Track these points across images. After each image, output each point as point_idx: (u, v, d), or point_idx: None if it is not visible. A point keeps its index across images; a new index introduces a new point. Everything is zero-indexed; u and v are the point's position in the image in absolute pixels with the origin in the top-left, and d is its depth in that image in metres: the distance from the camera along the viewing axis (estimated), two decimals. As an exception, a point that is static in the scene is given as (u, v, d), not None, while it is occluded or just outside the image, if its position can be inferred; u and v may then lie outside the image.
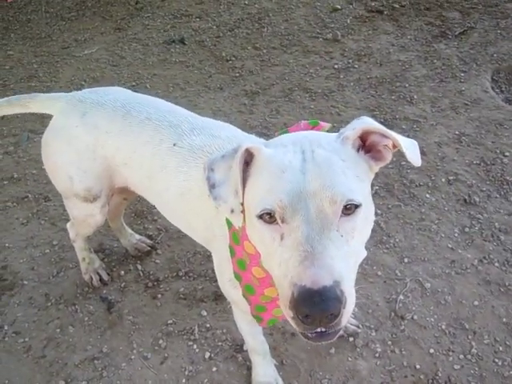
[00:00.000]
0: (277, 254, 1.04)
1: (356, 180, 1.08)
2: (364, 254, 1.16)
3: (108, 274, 2.35)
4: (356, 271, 1.10)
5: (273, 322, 1.49)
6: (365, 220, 1.08)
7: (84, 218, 1.98)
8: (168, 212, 1.78)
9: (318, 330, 1.01)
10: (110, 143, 1.72)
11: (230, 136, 1.62)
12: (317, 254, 0.97)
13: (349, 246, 1.03)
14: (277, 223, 1.04)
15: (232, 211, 1.12)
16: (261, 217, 1.06)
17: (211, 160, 1.16)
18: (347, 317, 1.00)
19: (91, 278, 2.31)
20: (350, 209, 1.03)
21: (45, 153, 1.87)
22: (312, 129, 1.32)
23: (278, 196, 1.03)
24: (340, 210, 1.02)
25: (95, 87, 2.00)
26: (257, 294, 1.37)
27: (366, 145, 1.17)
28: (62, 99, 1.84)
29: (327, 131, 1.30)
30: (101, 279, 2.32)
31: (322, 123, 1.35)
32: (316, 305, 0.94)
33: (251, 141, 1.52)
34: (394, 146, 1.15)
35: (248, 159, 1.13)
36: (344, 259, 1.01)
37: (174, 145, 1.62)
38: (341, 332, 1.06)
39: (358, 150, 1.15)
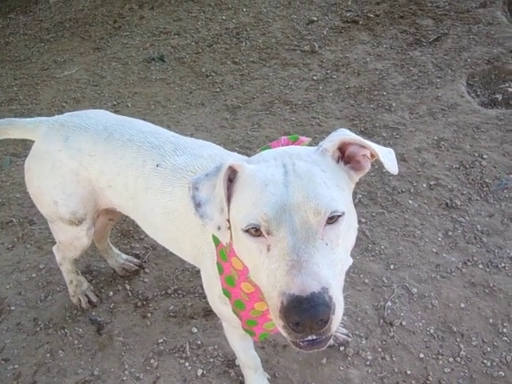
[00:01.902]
0: (264, 265, 1.06)
1: (337, 189, 1.10)
2: (350, 261, 1.17)
3: (97, 296, 2.34)
4: (343, 278, 1.12)
5: (264, 336, 1.50)
6: (348, 228, 1.11)
7: (70, 241, 1.98)
8: (154, 232, 1.79)
9: (309, 337, 1.02)
10: (94, 166, 1.72)
11: (212, 154, 1.63)
12: (303, 262, 0.99)
13: (334, 254, 1.05)
14: (263, 236, 1.06)
15: (219, 228, 1.14)
16: (247, 231, 1.08)
17: (195, 179, 1.19)
18: (337, 323, 1.02)
19: (79, 301, 2.30)
20: (333, 218, 1.05)
21: (28, 177, 1.87)
22: (292, 144, 1.35)
23: (262, 210, 1.05)
24: (324, 220, 1.04)
25: (77, 109, 2.01)
26: (247, 308, 1.38)
27: (345, 156, 1.20)
28: (43, 124, 1.84)
29: (307, 145, 1.33)
30: (89, 301, 2.31)
31: (301, 138, 1.38)
32: (305, 311, 0.95)
33: (234, 158, 1.53)
34: (373, 156, 1.18)
35: (231, 176, 1.16)
36: (330, 266, 1.03)
37: (157, 166, 1.63)
38: (331, 341, 1.09)
39: (337, 161, 1.18)
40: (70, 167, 1.75)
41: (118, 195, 1.74)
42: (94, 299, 2.32)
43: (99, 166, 1.71)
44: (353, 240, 1.16)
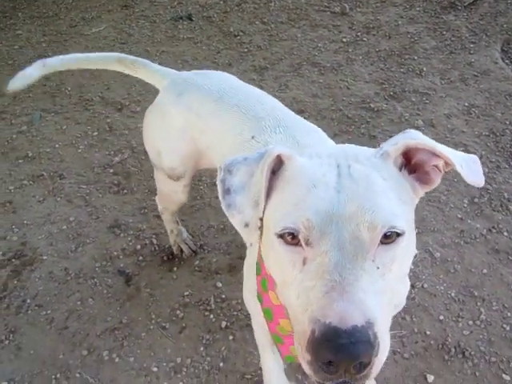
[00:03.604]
0: (296, 282, 0.88)
1: (399, 203, 0.92)
2: (403, 292, 1.01)
3: (195, 245, 2.41)
4: (391, 313, 0.94)
5: (291, 360, 1.28)
6: (406, 251, 0.92)
7: (168, 193, 2.02)
8: None
9: (340, 380, 0.82)
10: (198, 125, 1.69)
11: (312, 144, 1.42)
12: (346, 285, 0.81)
13: (384, 281, 0.87)
14: (300, 245, 0.89)
15: (246, 225, 0.96)
16: (281, 236, 0.90)
17: (231, 160, 1.01)
18: (378, 368, 0.82)
19: (180, 249, 2.37)
20: (390, 237, 0.87)
21: (143, 123, 1.91)
22: None
23: (304, 213, 0.87)
24: (379, 237, 0.87)
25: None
26: (274, 321, 1.22)
27: (411, 163, 1.01)
28: (169, 76, 1.84)
29: None
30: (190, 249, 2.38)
31: None
32: (343, 349, 0.76)
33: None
34: (447, 164, 0.98)
35: (276, 168, 0.98)
36: (378, 295, 0.84)
37: (252, 137, 1.52)
38: None
39: (400, 169, 0.99)
40: (178, 123, 1.73)
41: (215, 158, 1.70)
42: (193, 248, 2.38)
43: (202, 125, 1.68)
44: (408, 266, 0.97)
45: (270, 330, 1.25)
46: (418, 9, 4.16)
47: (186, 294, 2.22)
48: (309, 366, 0.83)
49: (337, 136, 2.95)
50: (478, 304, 2.08)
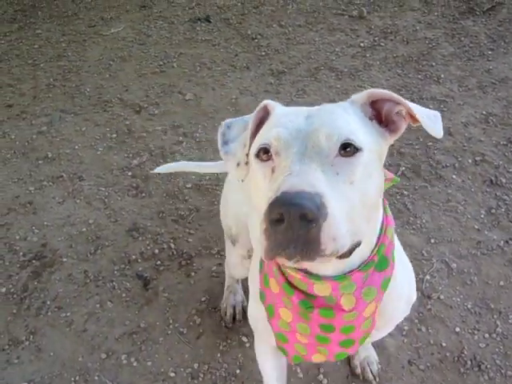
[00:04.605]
0: (266, 189, 0.97)
1: (359, 128, 1.02)
2: (374, 217, 1.06)
3: (243, 316, 2.16)
4: (363, 216, 0.96)
5: (298, 360, 1.36)
6: (366, 170, 0.98)
7: (228, 260, 2.05)
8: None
9: (292, 246, 0.85)
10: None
11: None
12: (303, 172, 0.90)
13: (345, 187, 0.93)
14: (272, 160, 1.00)
15: (238, 164, 1.13)
16: (258, 156, 1.03)
17: (231, 119, 1.20)
18: (328, 238, 0.85)
19: (225, 312, 2.18)
20: (348, 150, 0.96)
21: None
22: None
23: (276, 130, 1.01)
24: (337, 147, 0.95)
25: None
26: (275, 316, 1.26)
27: (382, 116, 1.12)
28: None
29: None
30: (234, 317, 2.17)
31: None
32: (289, 200, 0.83)
33: None
34: (414, 120, 1.08)
35: (264, 118, 1.14)
36: (335, 192, 0.89)
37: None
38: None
39: (371, 120, 1.11)
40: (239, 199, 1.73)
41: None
42: (239, 317, 2.16)
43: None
44: (372, 190, 0.99)
45: (273, 329, 1.29)
46: (436, 14, 4.15)
47: (203, 299, 2.25)
48: (264, 236, 0.87)
49: (354, 143, 2.96)
50: (495, 317, 2.08)
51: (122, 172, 2.93)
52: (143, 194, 2.78)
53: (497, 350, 1.98)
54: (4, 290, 2.32)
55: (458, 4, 4.21)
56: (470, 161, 2.80)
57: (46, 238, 2.58)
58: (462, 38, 3.81)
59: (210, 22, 4.32)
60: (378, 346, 2.01)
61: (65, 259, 2.47)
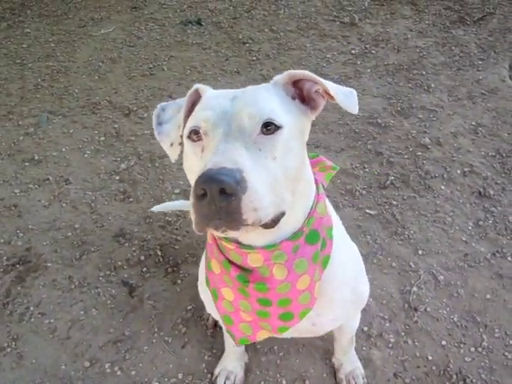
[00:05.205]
0: (198, 167, 1.04)
1: (280, 107, 1.10)
2: (302, 178, 1.15)
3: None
4: (286, 188, 1.06)
5: (244, 342, 1.43)
6: (287, 145, 1.07)
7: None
8: None
9: (216, 219, 0.95)
10: None
11: None
12: (227, 150, 0.99)
13: (268, 162, 1.02)
14: (201, 140, 1.08)
15: (171, 144, 1.21)
16: (189, 137, 1.11)
17: (166, 103, 1.28)
18: (249, 209, 0.94)
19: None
20: (269, 128, 1.05)
21: None
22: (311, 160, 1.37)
23: (205, 113, 1.08)
24: (259, 126, 1.04)
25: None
26: (219, 297, 1.35)
27: (304, 95, 1.21)
28: None
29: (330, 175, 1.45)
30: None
31: (320, 157, 1.47)
32: (211, 176, 0.92)
33: None
34: (331, 97, 1.16)
35: (196, 102, 1.21)
36: (259, 168, 0.99)
37: None
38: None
39: (294, 99, 1.19)
40: None
41: None
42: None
43: None
44: (293, 164, 1.08)
45: (219, 312, 1.38)
46: (427, 22, 4.17)
47: (188, 308, 2.22)
48: (193, 210, 0.97)
49: (343, 151, 2.95)
50: (481, 330, 2.08)
51: (109, 176, 2.90)
52: (131, 199, 2.75)
53: (482, 364, 1.98)
54: (-14, 295, 2.28)
55: (449, 13, 4.22)
56: (458, 171, 2.81)
57: (31, 242, 2.54)
58: (453, 48, 3.83)
59: (201, 25, 4.30)
60: (364, 358, 2.01)
61: (49, 264, 2.43)
